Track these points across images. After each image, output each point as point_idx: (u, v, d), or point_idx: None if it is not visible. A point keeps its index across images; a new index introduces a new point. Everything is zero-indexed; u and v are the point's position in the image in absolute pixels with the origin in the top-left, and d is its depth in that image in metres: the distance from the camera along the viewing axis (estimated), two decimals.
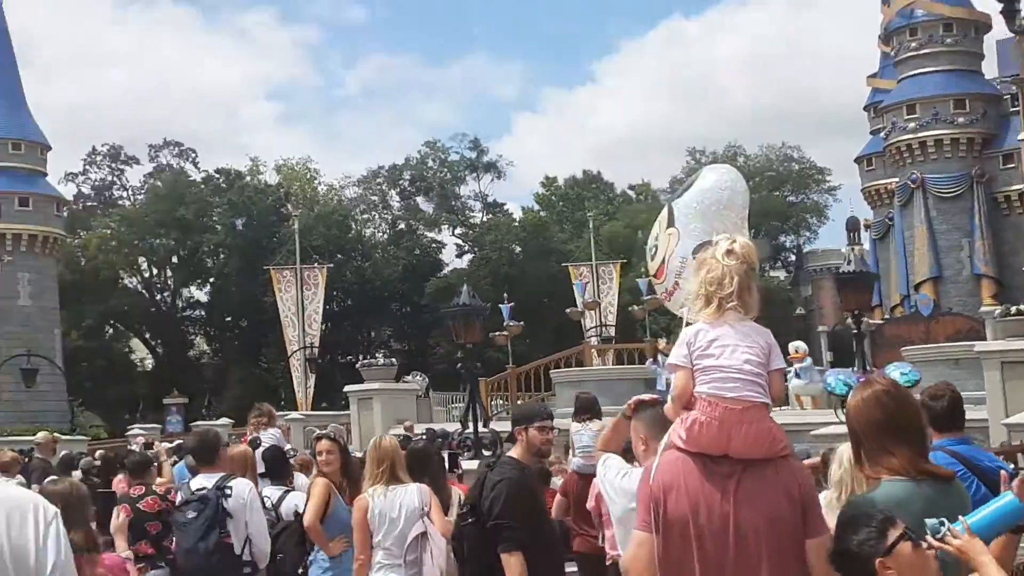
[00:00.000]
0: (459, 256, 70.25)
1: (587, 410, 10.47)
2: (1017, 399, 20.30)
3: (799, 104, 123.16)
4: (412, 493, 7.58)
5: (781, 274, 79.68)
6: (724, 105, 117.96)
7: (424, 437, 10.56)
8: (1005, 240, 46.96)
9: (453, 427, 15.70)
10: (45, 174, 54.65)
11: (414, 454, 8.14)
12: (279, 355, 54.33)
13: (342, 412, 35.06)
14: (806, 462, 13.53)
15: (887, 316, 45.30)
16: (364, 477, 7.78)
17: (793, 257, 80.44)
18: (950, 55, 48.27)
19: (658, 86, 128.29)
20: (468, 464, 12.04)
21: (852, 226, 76.74)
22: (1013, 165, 46.14)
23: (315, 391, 43.32)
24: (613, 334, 43.22)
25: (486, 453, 13.22)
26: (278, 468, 9.27)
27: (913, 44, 48.91)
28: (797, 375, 28.99)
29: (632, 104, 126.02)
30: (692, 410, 3.97)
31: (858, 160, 56.84)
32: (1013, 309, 21.75)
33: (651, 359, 29.87)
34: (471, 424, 15.28)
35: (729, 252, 4.12)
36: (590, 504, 9.00)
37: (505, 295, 39.22)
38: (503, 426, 17.92)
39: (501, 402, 34.55)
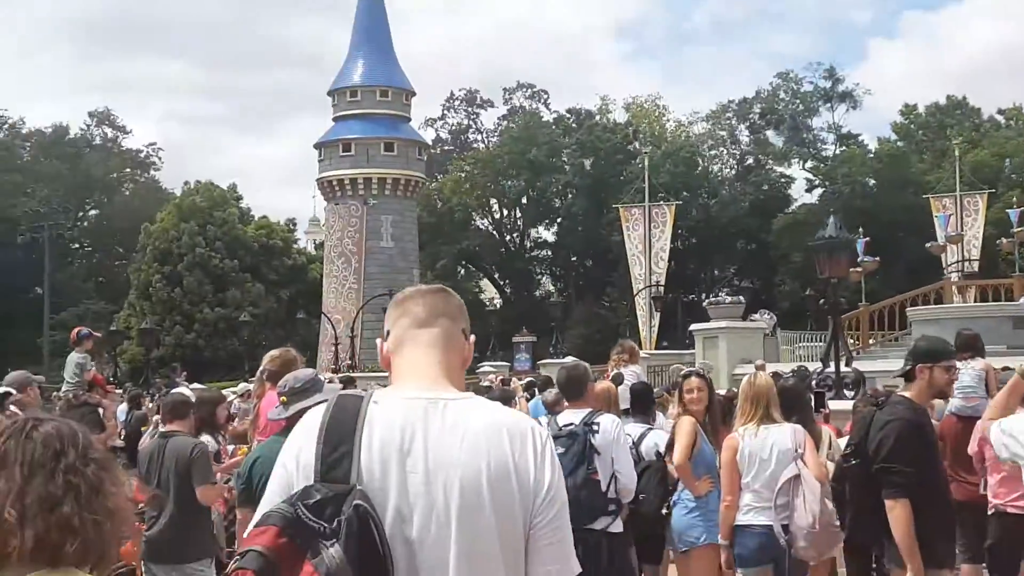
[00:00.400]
0: (809, 191, 68.44)
1: (968, 347, 9.70)
2: None
3: None
4: (786, 433, 7.24)
5: None
6: None
7: (793, 375, 10.13)
8: None
9: (807, 366, 15.10)
10: (409, 119, 57.41)
11: (787, 392, 7.78)
12: (623, 294, 54.82)
13: (685, 351, 34.90)
14: None
15: None
16: (736, 415, 7.51)
17: None
18: None
19: None
20: (833, 404, 11.52)
21: None
22: None
23: (658, 330, 43.33)
24: (976, 269, 40.65)
25: (848, 393, 12.63)
26: (643, 404, 9.13)
27: None
28: None
29: (1001, 24, 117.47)
30: None
31: None
32: None
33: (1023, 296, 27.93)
34: (832, 363, 14.67)
35: None
36: (972, 449, 8.42)
37: (860, 230, 37.63)
38: (865, 365, 17.17)
39: (852, 341, 33.29)
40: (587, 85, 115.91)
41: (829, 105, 69.24)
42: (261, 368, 7.41)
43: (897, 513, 5.77)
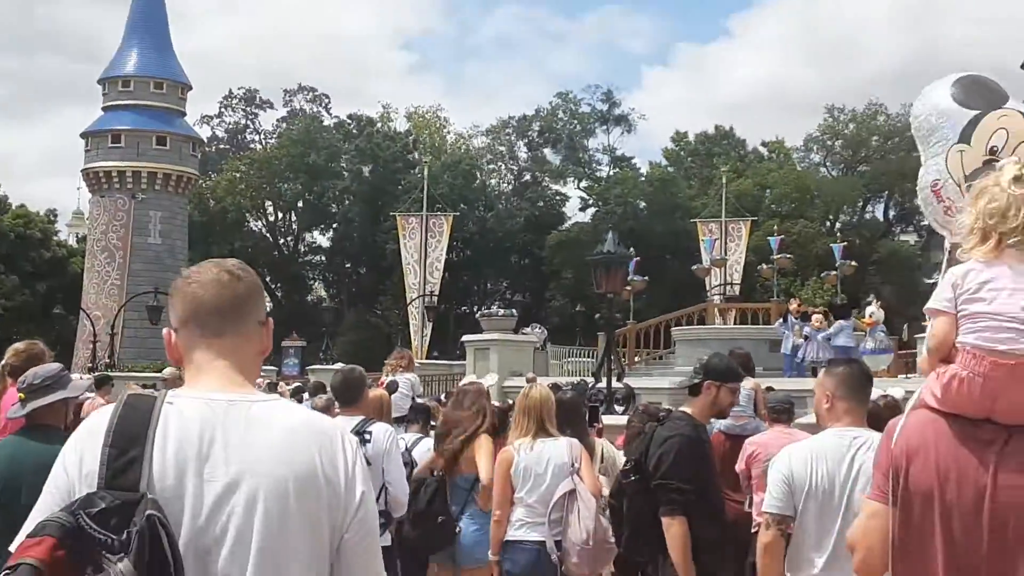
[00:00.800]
0: (583, 210, 69.88)
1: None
2: None
3: (943, 64, 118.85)
4: (562, 447, 7.05)
5: (912, 238, 77.38)
6: (863, 63, 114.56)
7: (572, 388, 10.05)
8: None
9: (587, 380, 15.15)
10: (184, 114, 55.45)
11: (565, 405, 7.62)
12: (396, 302, 54.46)
13: (456, 362, 34.89)
14: None
15: None
16: (511, 428, 7.28)
17: (925, 221, 77.96)
18: None
19: (795, 42, 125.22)
20: (604, 419, 11.50)
21: None
22: None
23: (430, 340, 43.26)
24: (737, 293, 42.26)
25: (619, 408, 12.66)
26: (422, 414, 8.85)
27: None
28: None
29: (768, 60, 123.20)
30: (951, 363, 3.33)
31: None
32: None
33: (780, 320, 29.08)
34: (604, 378, 14.73)
35: (1017, 179, 3.40)
36: (739, 467, 8.55)
37: (631, 249, 38.51)
38: (631, 382, 17.37)
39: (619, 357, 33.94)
40: (369, 93, 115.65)
41: (605, 127, 71.03)
42: (3, 362, 6.78)
43: (674, 531, 5.67)
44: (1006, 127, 6.47)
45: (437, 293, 42.84)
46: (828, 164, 73.83)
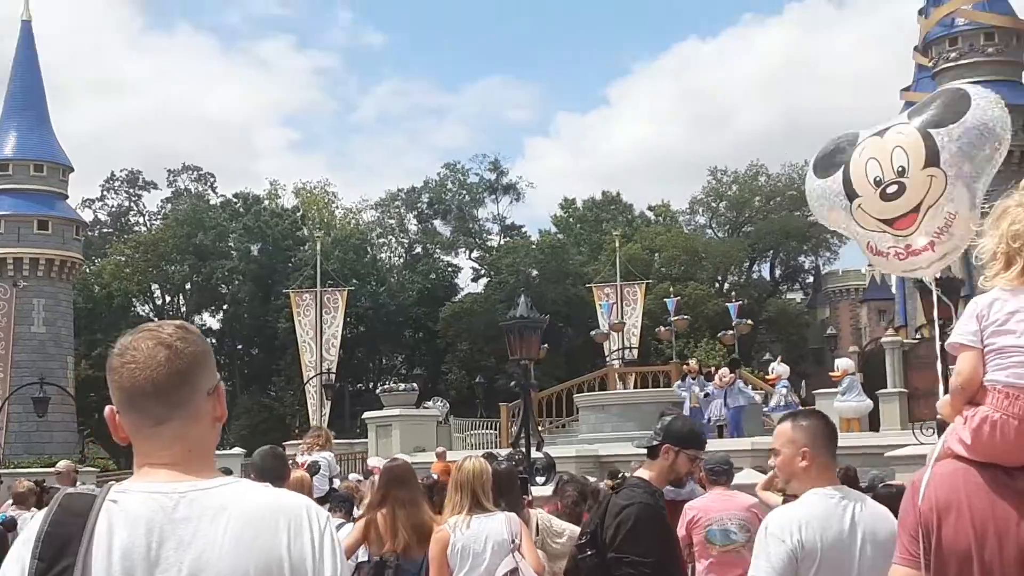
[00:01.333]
0: (475, 280, 69.88)
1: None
2: None
3: (818, 125, 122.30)
4: (500, 523, 6.60)
5: (798, 296, 78.78)
6: (741, 127, 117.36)
7: (506, 459, 9.60)
8: None
9: (522, 450, 14.73)
10: (66, 196, 53.86)
11: (502, 476, 7.17)
12: (289, 383, 53.31)
13: (357, 440, 34.17)
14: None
15: (918, 336, 44.24)
16: (444, 506, 6.80)
17: (811, 279, 79.47)
18: (991, 65, 47.44)
19: (674, 108, 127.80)
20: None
21: None
22: None
23: (328, 419, 42.35)
24: (636, 356, 42.28)
25: (540, 479, 12.24)
26: (344, 503, 8.35)
27: (953, 54, 48.03)
28: (843, 393, 28.24)
29: (647, 126, 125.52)
30: (980, 405, 3.01)
31: None
32: None
33: (679, 381, 29.09)
34: (523, 447, 14.33)
35: None
36: (680, 532, 8.18)
37: (545, 316, 38.27)
38: (555, 451, 16.99)
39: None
40: (253, 171, 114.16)
41: (494, 196, 71.34)
42: None
43: None
44: (873, 156, 6.36)
45: (335, 371, 42.04)
46: (714, 226, 75.03)
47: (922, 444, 14.15)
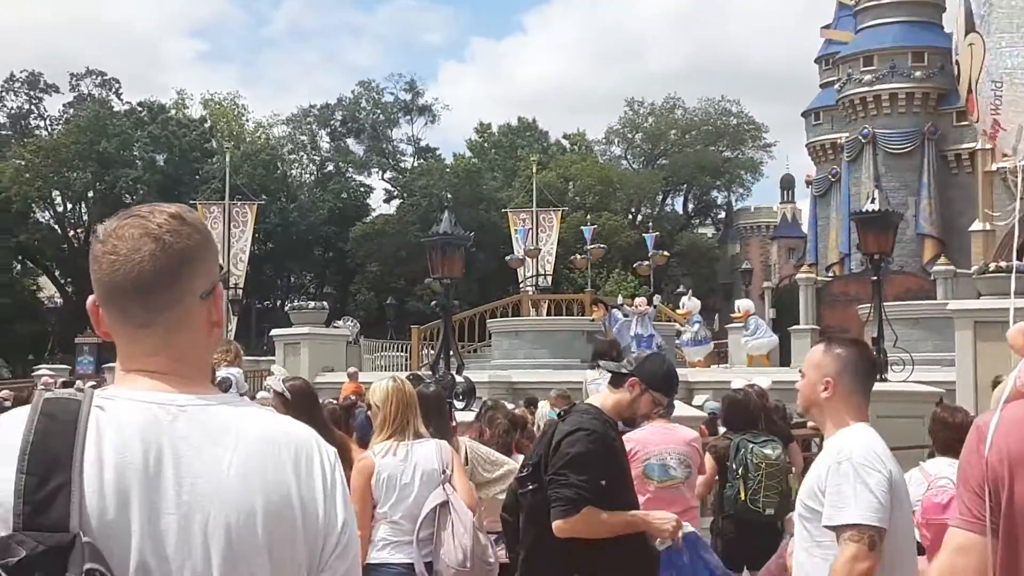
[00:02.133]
0: (387, 201, 69.38)
1: (603, 355, 8.85)
2: (988, 361, 19.47)
3: (733, 62, 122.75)
4: (430, 451, 5.93)
5: (709, 231, 79.15)
6: (655, 61, 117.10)
7: (434, 381, 8.99)
8: (952, 200, 46.49)
9: (453, 373, 14.16)
10: None
11: (430, 401, 6.50)
12: None
13: (264, 358, 33.51)
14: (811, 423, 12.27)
15: (832, 274, 44.64)
16: (373, 430, 6.11)
17: (723, 214, 79.85)
18: (911, 6, 47.57)
19: (589, 39, 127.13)
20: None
21: (787, 184, 76.57)
22: (966, 123, 45.71)
23: (235, 335, 41.44)
24: (550, 284, 41.94)
25: (458, 404, 11.67)
26: None
27: None
28: (750, 333, 28.21)
29: (562, 56, 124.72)
30: None
31: (806, 114, 55.91)
32: (992, 266, 20.73)
33: (607, 315, 28.76)
34: (443, 370, 13.77)
35: None
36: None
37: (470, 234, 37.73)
38: (475, 375, 16.50)
39: (431, 351, 33.36)
40: (160, 82, 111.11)
41: (409, 117, 70.39)
42: None
43: (579, 524, 4.63)
44: None
45: (242, 286, 41.03)
46: (629, 157, 74.91)
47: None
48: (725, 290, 64.87)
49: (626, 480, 5.07)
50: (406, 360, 32.97)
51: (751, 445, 8.53)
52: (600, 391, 8.91)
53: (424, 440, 5.96)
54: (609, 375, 7.33)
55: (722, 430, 9.40)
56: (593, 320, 27.73)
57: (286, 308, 31.58)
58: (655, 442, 7.80)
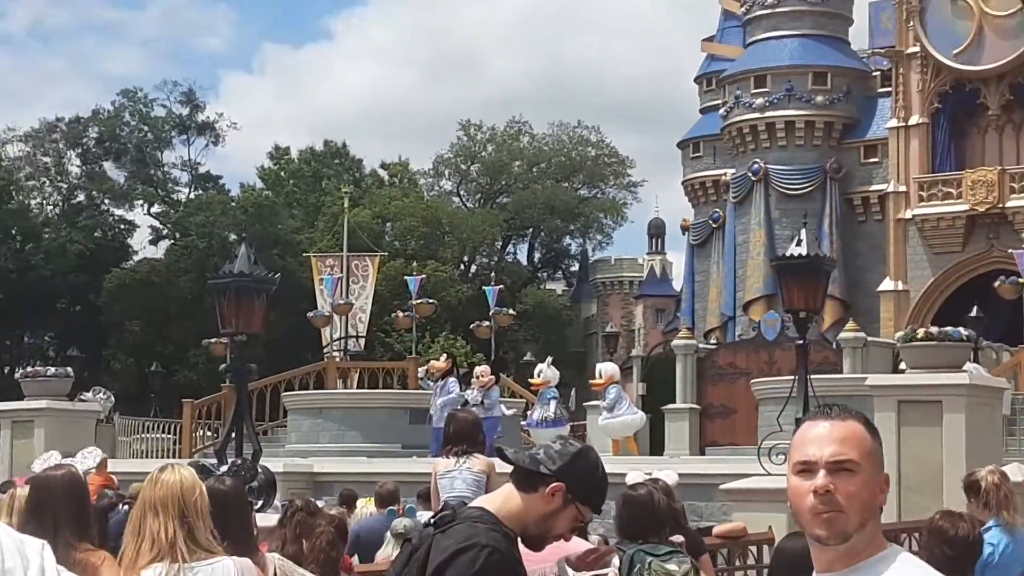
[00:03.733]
0: (154, 243, 68.64)
1: (463, 438, 8.11)
2: (914, 448, 19.42)
3: (592, 79, 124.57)
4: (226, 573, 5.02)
5: (560, 286, 79.48)
6: (500, 76, 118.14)
7: (230, 473, 8.03)
8: (857, 252, 47.17)
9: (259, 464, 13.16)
10: None
11: (227, 501, 5.58)
12: None
13: None
14: (723, 528, 11.69)
15: (714, 341, 44.81)
16: (124, 543, 5.12)
17: (577, 266, 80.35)
18: (812, 16, 48.56)
19: (413, 49, 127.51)
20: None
21: (657, 230, 77.36)
22: (875, 160, 46.63)
23: None
24: (362, 348, 41.11)
25: (255, 503, 10.70)
26: None
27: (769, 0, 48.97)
28: (608, 408, 27.76)
29: (381, 68, 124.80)
30: None
31: (682, 145, 56.31)
32: (920, 332, 20.69)
33: (422, 376, 28.14)
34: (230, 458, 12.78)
35: None
36: None
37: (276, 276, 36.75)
38: (271, 463, 15.58)
39: (209, 433, 32.31)
40: None
41: (185, 137, 69.67)
42: None
43: None
44: None
45: None
46: (463, 194, 75.03)
47: (770, 475, 13.36)
48: (578, 360, 64.94)
49: None
50: (174, 444, 31.77)
51: (648, 559, 7.96)
52: (455, 488, 8.13)
53: (216, 559, 5.02)
54: (466, 467, 6.44)
55: (612, 540, 8.78)
56: (425, 374, 27.04)
57: (16, 375, 30.18)
58: (535, 560, 7.05)
